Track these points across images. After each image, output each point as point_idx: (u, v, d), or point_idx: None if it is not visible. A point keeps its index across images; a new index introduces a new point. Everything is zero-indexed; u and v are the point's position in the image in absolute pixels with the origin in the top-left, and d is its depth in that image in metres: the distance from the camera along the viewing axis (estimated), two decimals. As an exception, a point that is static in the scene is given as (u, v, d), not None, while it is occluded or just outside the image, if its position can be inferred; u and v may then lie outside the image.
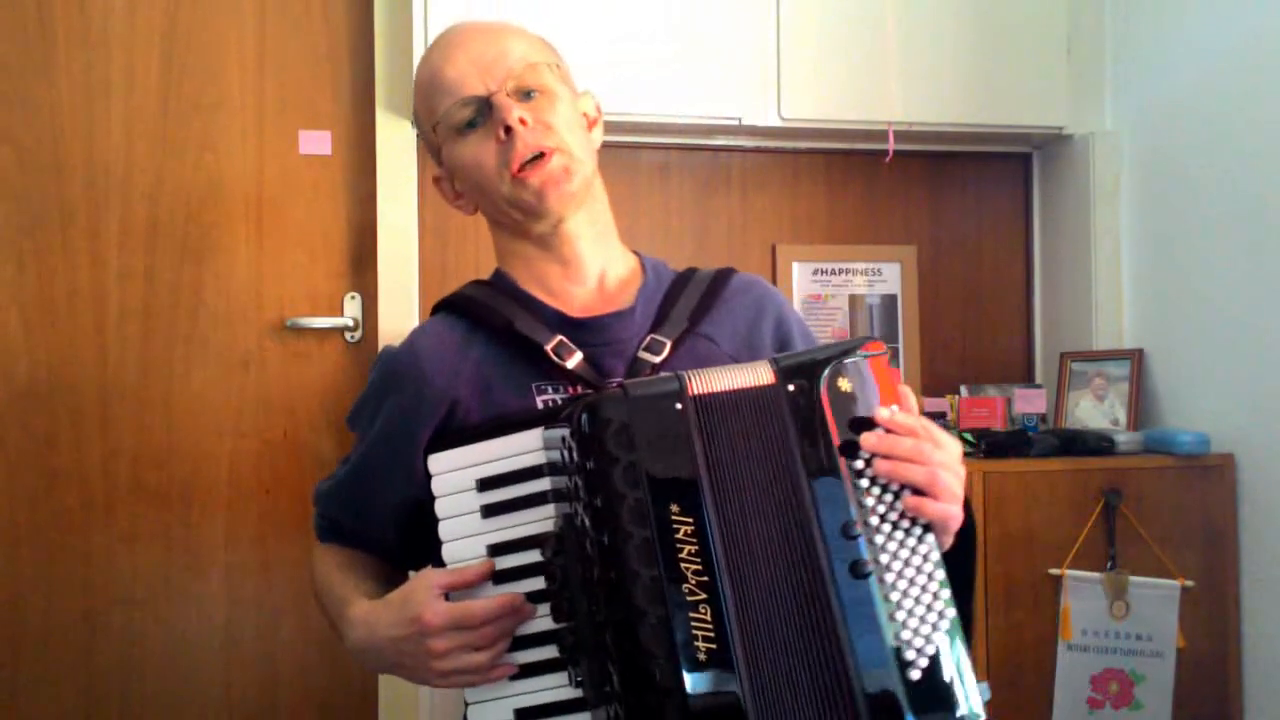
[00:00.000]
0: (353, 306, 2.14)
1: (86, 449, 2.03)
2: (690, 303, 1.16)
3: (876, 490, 0.90)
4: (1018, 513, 1.88)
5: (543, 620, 0.96)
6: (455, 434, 1.06)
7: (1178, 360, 2.11)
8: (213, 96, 2.09)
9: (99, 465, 2.04)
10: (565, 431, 0.91)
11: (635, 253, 1.23)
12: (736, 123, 2.14)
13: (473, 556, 0.99)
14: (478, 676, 0.96)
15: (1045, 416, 2.25)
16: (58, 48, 2.04)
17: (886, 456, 0.89)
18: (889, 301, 2.36)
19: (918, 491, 0.90)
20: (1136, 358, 2.16)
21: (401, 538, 1.15)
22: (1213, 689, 1.93)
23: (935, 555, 0.89)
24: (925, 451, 0.90)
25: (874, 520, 0.89)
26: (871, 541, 0.88)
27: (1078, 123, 2.27)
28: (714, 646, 0.85)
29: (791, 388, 0.91)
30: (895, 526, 0.89)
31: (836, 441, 0.90)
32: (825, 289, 2.33)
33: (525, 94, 1.10)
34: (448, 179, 1.19)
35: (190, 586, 2.07)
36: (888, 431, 0.90)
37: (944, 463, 0.91)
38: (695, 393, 0.90)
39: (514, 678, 0.97)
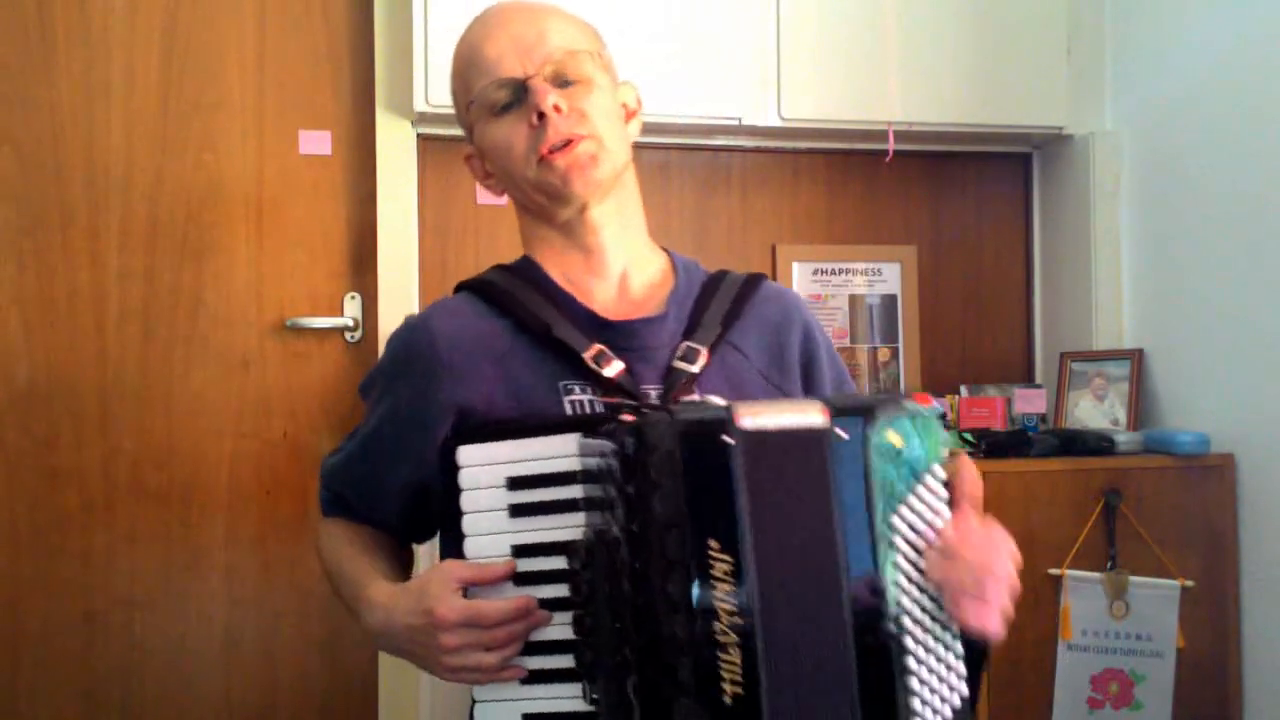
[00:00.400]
0: (353, 306, 2.13)
1: (86, 449, 2.03)
2: (721, 308, 1.14)
3: (908, 554, 0.89)
4: (1018, 513, 1.88)
5: (562, 629, 0.94)
6: (487, 428, 1.03)
7: (1178, 360, 2.11)
8: (213, 96, 2.09)
9: (99, 465, 2.04)
10: (607, 446, 0.89)
11: (666, 250, 1.21)
12: (736, 123, 2.14)
13: (496, 555, 0.97)
14: (485, 676, 0.96)
15: (1045, 416, 2.25)
16: (58, 48, 2.04)
17: (943, 554, 0.88)
18: (889, 301, 2.36)
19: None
20: (1136, 358, 2.16)
21: (404, 518, 1.14)
22: (1213, 689, 1.93)
23: (958, 647, 0.89)
24: (986, 563, 0.88)
25: (901, 580, 0.88)
26: (899, 606, 0.88)
27: (1078, 123, 2.27)
28: (740, 691, 0.83)
29: (842, 434, 0.88)
30: (923, 612, 0.88)
31: (871, 498, 0.88)
32: (825, 289, 2.33)
33: (563, 81, 1.08)
34: (478, 157, 1.17)
35: (190, 587, 2.07)
36: (945, 539, 0.89)
37: (1000, 576, 0.89)
38: (744, 426, 0.87)
39: (525, 682, 0.96)
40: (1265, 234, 1.89)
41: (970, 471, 0.94)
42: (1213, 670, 1.92)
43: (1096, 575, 1.88)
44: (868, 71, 2.16)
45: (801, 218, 2.35)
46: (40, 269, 2.03)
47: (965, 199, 2.43)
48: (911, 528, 0.89)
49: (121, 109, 2.06)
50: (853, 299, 2.34)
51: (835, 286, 2.34)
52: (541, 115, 1.06)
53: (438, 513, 1.11)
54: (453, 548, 1.01)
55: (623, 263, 1.15)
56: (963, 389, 2.29)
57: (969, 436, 2.06)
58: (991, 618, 0.88)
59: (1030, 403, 2.22)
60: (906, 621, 0.87)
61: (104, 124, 2.05)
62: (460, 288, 1.17)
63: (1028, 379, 2.42)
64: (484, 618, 0.93)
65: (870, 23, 2.16)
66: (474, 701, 0.98)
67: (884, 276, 2.36)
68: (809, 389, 1.17)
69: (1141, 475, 1.92)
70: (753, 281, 1.19)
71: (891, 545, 0.88)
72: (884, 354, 2.35)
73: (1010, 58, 2.22)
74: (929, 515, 0.90)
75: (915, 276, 2.37)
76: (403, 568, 1.15)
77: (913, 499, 0.89)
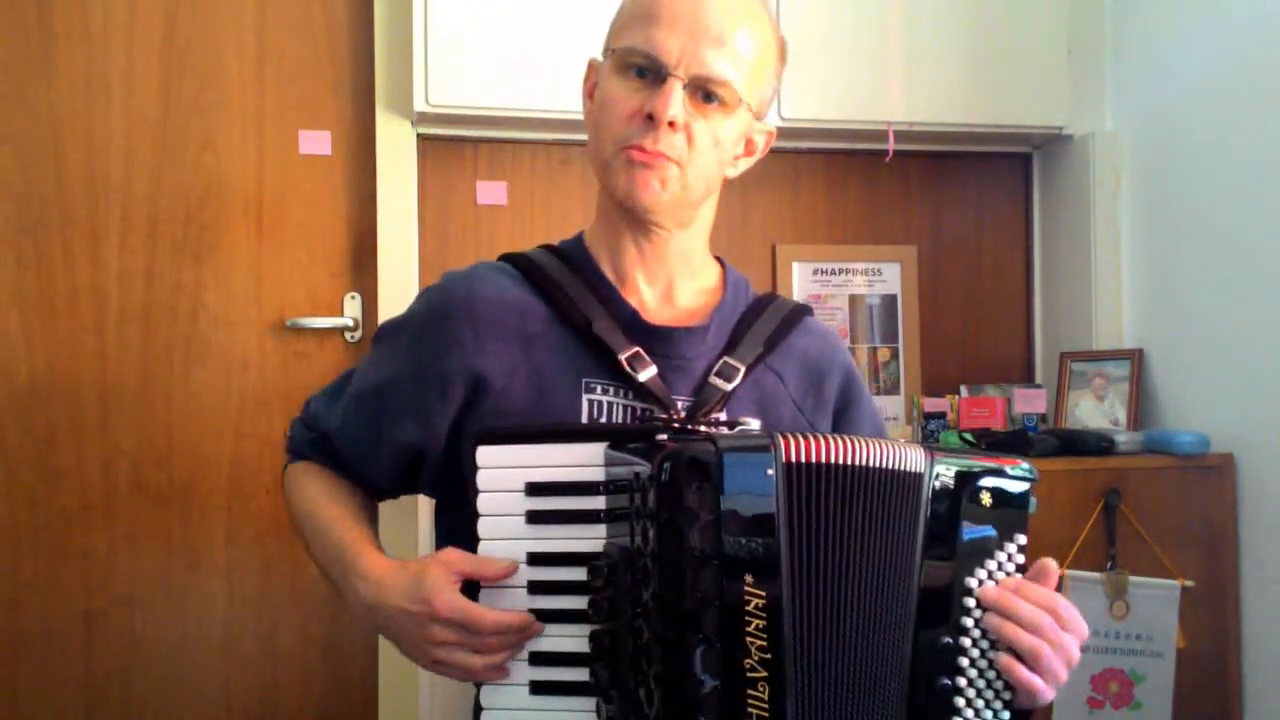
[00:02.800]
0: (353, 306, 2.13)
1: (86, 449, 2.03)
2: (765, 330, 1.12)
3: (978, 619, 0.91)
4: (1018, 513, 1.88)
5: (577, 642, 0.93)
6: (510, 430, 1.01)
7: (1178, 360, 2.11)
8: (213, 96, 2.09)
9: (99, 465, 2.04)
10: (640, 465, 0.87)
11: (720, 260, 1.19)
12: (736, 123, 2.14)
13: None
14: (467, 675, 0.95)
15: (1045, 416, 2.25)
16: (58, 48, 2.04)
17: (1002, 614, 0.89)
18: (889, 301, 2.36)
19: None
20: (1136, 358, 2.16)
21: (390, 476, 1.13)
22: (1213, 689, 1.92)
23: (1005, 716, 0.91)
24: (1044, 625, 0.89)
25: (966, 643, 0.90)
26: (959, 665, 0.89)
27: (1078, 123, 2.27)
28: None
29: (937, 485, 0.89)
30: (980, 676, 0.90)
31: (956, 552, 0.89)
32: (825, 289, 2.33)
33: (705, 92, 1.03)
34: (590, 92, 1.13)
35: (190, 586, 2.07)
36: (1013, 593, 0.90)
37: (1059, 644, 0.90)
38: (792, 459, 0.86)
39: (535, 693, 0.94)
40: (1265, 234, 1.89)
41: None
42: (1213, 670, 1.92)
43: (1096, 575, 1.87)
44: (868, 71, 2.16)
45: (801, 218, 2.35)
46: (40, 269, 2.03)
47: (965, 199, 2.42)
48: (986, 590, 0.90)
49: (121, 109, 2.06)
50: (853, 299, 2.34)
51: (835, 286, 2.34)
52: (654, 116, 1.00)
53: (425, 482, 1.11)
54: (455, 538, 0.99)
55: (674, 269, 1.13)
56: (963, 389, 2.29)
57: (969, 436, 2.06)
58: (1043, 684, 0.90)
59: (1030, 403, 2.22)
60: (962, 681, 0.89)
61: (104, 124, 2.05)
62: (506, 259, 1.15)
63: (1028, 379, 2.42)
64: (478, 625, 0.92)
65: (871, 23, 2.16)
66: (480, 708, 0.96)
67: (884, 276, 2.36)
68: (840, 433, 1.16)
69: (1141, 475, 1.92)
70: (801, 310, 1.17)
71: (964, 605, 0.89)
72: (884, 354, 2.35)
73: (1010, 58, 2.22)
74: (1003, 579, 0.91)
75: (915, 276, 2.37)
76: (377, 526, 1.13)
77: (991, 562, 0.90)
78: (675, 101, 1.00)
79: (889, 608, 0.88)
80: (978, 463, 0.91)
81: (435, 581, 0.93)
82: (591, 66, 1.13)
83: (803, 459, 0.86)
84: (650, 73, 1.02)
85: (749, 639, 0.82)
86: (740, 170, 1.14)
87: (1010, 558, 0.92)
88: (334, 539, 1.05)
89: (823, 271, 2.34)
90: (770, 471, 0.85)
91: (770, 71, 1.10)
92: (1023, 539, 0.92)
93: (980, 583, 0.91)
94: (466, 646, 0.93)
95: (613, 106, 1.04)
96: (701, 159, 1.04)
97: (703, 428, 0.94)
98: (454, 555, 0.95)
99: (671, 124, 1.01)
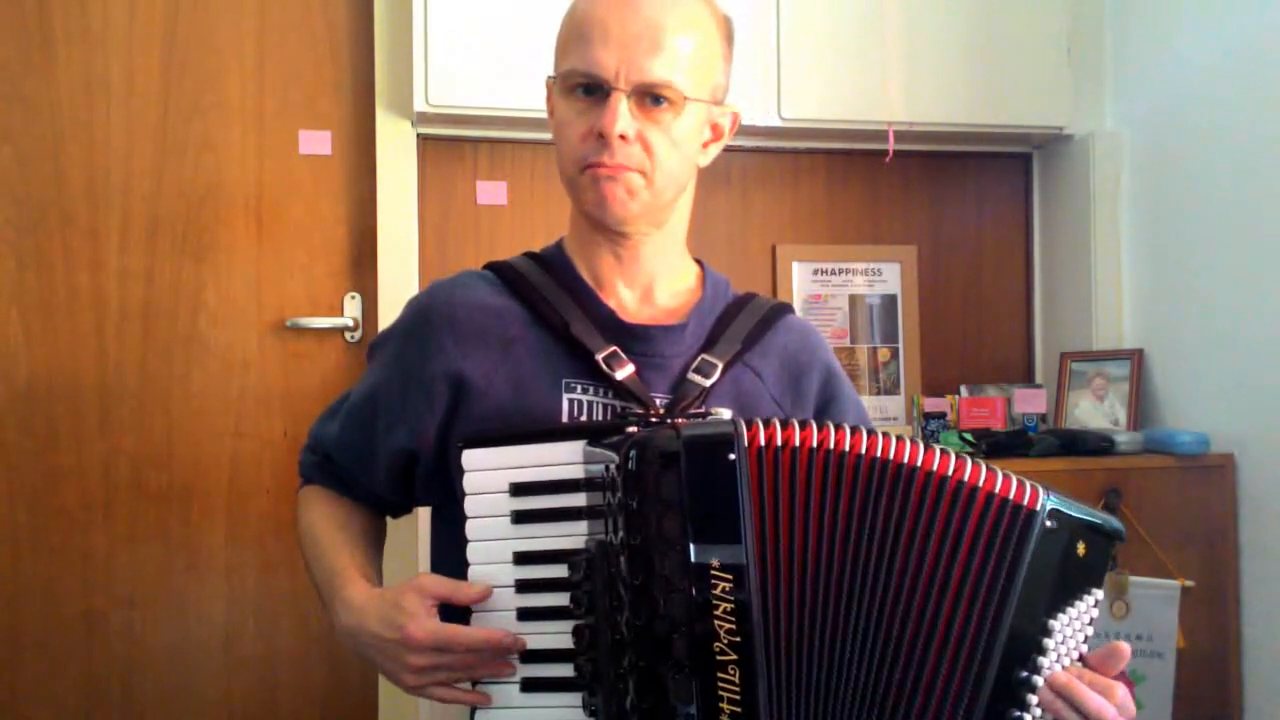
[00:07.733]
0: (353, 306, 2.13)
1: (86, 449, 2.03)
2: (744, 328, 1.12)
3: (1050, 656, 0.90)
4: (1018, 513, 1.88)
5: (564, 638, 0.93)
6: (493, 432, 1.02)
7: (1178, 360, 2.11)
8: (213, 96, 2.09)
9: (99, 465, 2.04)
10: (611, 457, 0.88)
11: (699, 261, 1.20)
12: (736, 123, 2.14)
13: (498, 560, 0.96)
14: (448, 694, 0.95)
15: (1045, 416, 2.25)
16: (58, 48, 2.04)
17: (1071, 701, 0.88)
18: (889, 301, 2.36)
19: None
20: (1136, 358, 2.16)
21: (390, 487, 1.14)
22: (1213, 689, 1.93)
23: None
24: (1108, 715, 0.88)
25: (1039, 681, 0.88)
26: (1027, 704, 0.88)
27: (1078, 123, 2.27)
28: (739, 710, 0.82)
29: (1051, 524, 0.87)
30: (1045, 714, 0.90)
31: (1049, 592, 0.88)
32: (825, 289, 2.33)
33: (653, 96, 1.03)
34: (551, 111, 1.13)
35: (190, 586, 2.07)
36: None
37: None
38: (761, 444, 0.85)
39: (526, 690, 0.95)
40: (1265, 234, 1.89)
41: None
42: (1213, 670, 1.92)
43: (1096, 575, 1.87)
44: (868, 71, 2.16)
45: (801, 218, 2.35)
46: (40, 269, 2.03)
47: (965, 199, 2.43)
48: (1064, 636, 0.89)
49: (121, 109, 2.06)
50: (853, 299, 2.34)
51: (835, 286, 2.34)
52: (605, 133, 1.02)
53: (422, 487, 1.12)
54: (449, 543, 1.01)
55: (652, 271, 1.13)
56: (963, 389, 2.29)
57: (969, 436, 2.06)
58: None
59: (1030, 403, 2.22)
60: (1027, 718, 0.88)
61: (104, 124, 2.05)
62: (489, 267, 1.16)
63: (1028, 379, 2.42)
64: (455, 645, 0.93)
65: (870, 23, 2.16)
66: (474, 708, 0.97)
67: (884, 276, 2.36)
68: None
69: (1141, 475, 1.92)
70: (780, 309, 1.18)
71: (1042, 644, 0.88)
72: (884, 354, 2.35)
73: (1010, 58, 2.22)
74: (1079, 630, 0.91)
75: (915, 276, 2.37)
76: (379, 549, 1.15)
77: (1071, 610, 0.89)
78: (621, 116, 1.01)
79: (924, 612, 0.86)
80: (1086, 512, 0.91)
81: (411, 608, 0.94)
82: (548, 86, 1.13)
83: (775, 443, 0.86)
84: (595, 89, 1.03)
85: (717, 622, 0.83)
86: (711, 156, 1.14)
87: (1088, 609, 0.91)
88: (326, 565, 1.08)
89: (823, 271, 2.34)
90: (732, 456, 0.85)
91: (717, 56, 1.11)
92: (1099, 593, 0.91)
93: (1060, 628, 0.89)
94: (445, 668, 0.94)
95: (566, 129, 1.06)
96: (664, 163, 1.05)
97: (678, 420, 0.94)
98: (428, 580, 0.96)
99: (623, 137, 1.02)
